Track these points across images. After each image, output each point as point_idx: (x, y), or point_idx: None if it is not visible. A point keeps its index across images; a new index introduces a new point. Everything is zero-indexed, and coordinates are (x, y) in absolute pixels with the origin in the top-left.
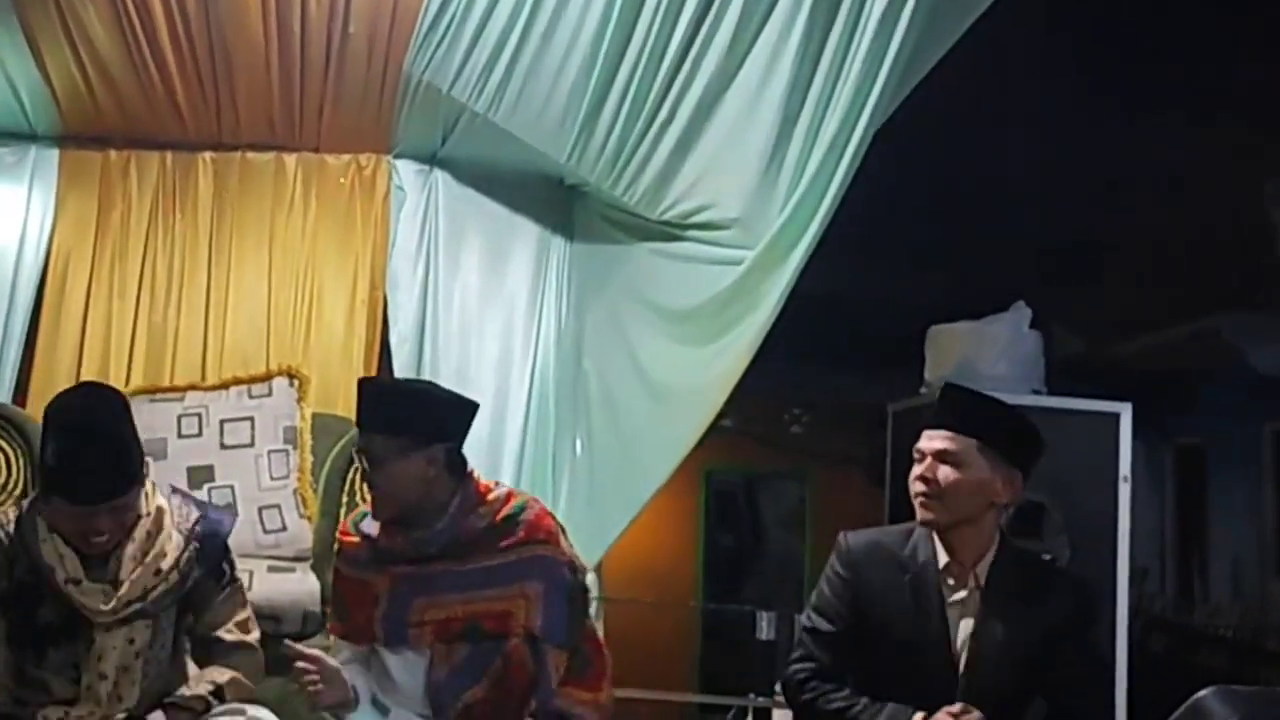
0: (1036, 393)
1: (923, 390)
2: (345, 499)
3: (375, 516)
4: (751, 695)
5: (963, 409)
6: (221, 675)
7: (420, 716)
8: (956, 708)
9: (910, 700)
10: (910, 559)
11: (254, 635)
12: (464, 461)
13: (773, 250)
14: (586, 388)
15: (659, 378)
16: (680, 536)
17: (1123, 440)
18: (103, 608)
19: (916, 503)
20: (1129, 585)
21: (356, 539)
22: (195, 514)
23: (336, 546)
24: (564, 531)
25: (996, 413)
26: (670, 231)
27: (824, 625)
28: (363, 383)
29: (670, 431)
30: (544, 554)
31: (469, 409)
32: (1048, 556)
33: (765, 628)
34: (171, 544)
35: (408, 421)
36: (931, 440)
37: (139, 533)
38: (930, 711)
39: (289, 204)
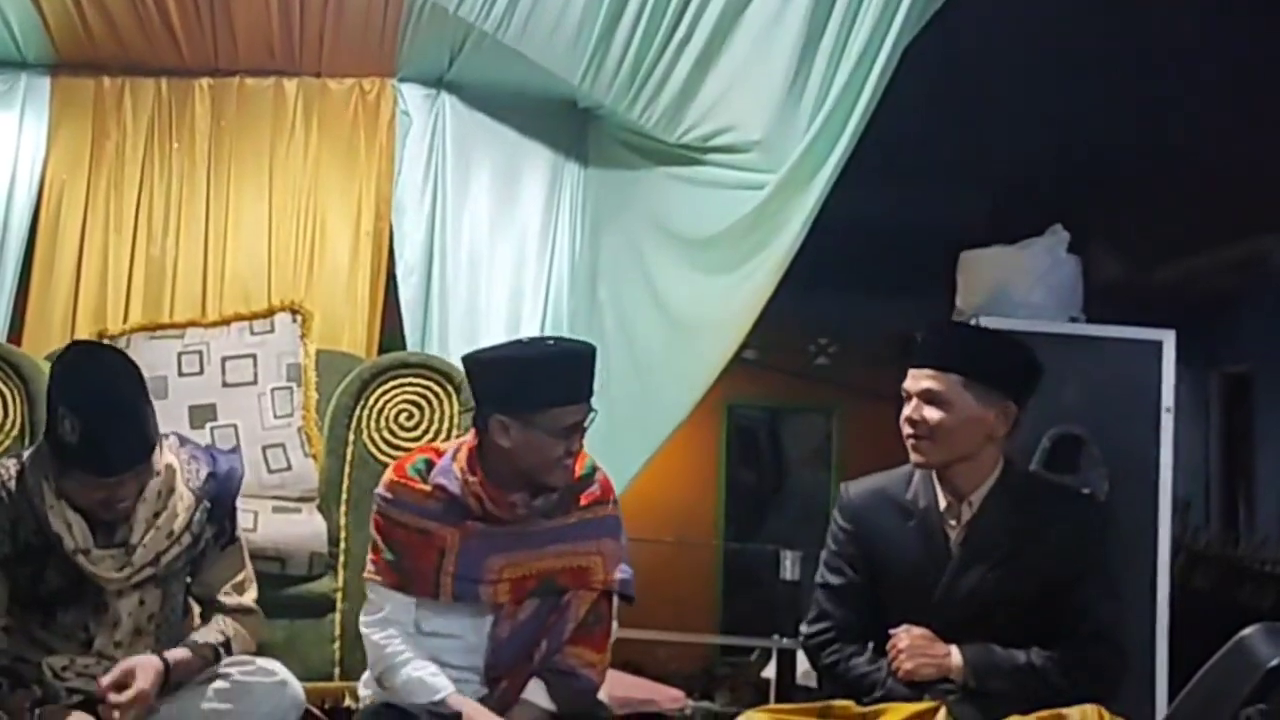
0: (1074, 320)
1: (954, 318)
2: (351, 437)
3: (559, 483)
4: (776, 636)
5: (943, 345)
6: (229, 627)
7: (470, 670)
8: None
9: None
10: (913, 503)
11: (251, 595)
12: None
13: (797, 173)
14: (602, 319)
15: (678, 308)
16: (700, 473)
17: (1165, 369)
18: (115, 575)
19: (908, 445)
20: (1171, 519)
21: (424, 486)
22: (205, 470)
23: (387, 491)
24: None
25: (979, 345)
26: (689, 155)
27: (834, 579)
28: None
29: (690, 364)
30: (613, 514)
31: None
32: (1085, 490)
33: (789, 567)
34: (183, 504)
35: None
36: (916, 380)
37: (149, 493)
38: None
39: (289, 131)
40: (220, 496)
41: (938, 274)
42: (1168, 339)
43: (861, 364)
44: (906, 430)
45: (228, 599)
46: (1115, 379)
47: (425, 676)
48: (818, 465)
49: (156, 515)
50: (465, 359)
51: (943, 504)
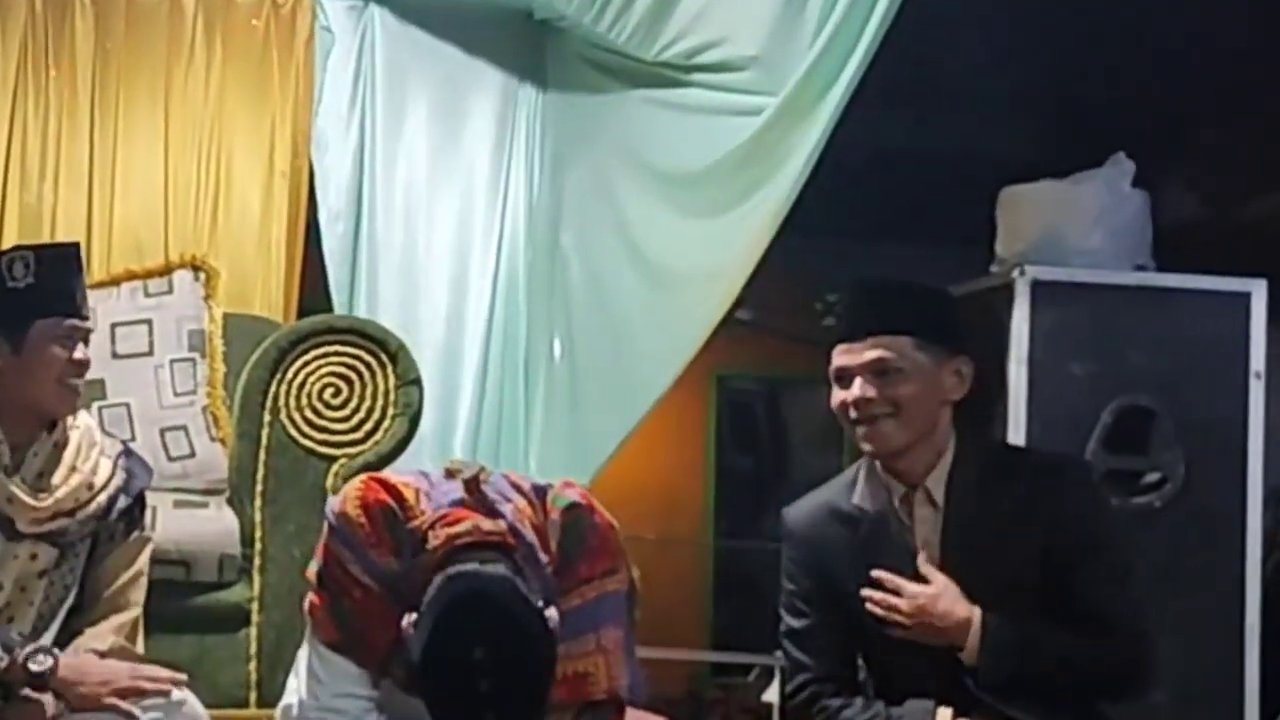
0: (1142, 269)
1: (994, 269)
2: (267, 418)
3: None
4: (778, 653)
5: (884, 303)
6: (104, 642)
7: None
8: None
9: (911, 675)
10: (859, 509)
11: (136, 591)
12: None
13: (800, 96)
14: (566, 273)
15: (658, 258)
16: (685, 457)
17: (1254, 326)
18: (31, 502)
19: (859, 434)
20: (1262, 507)
21: (389, 559)
22: (119, 446)
23: (338, 520)
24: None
25: (922, 297)
26: (670, 75)
27: (796, 623)
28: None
29: (673, 326)
30: (613, 589)
31: None
32: (1155, 477)
33: None
34: (103, 466)
35: None
36: (855, 353)
37: (71, 444)
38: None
39: (188, 52)
40: (134, 474)
41: (972, 216)
42: (1257, 290)
43: None
44: (853, 415)
45: (114, 595)
46: (1192, 339)
47: None
48: (827, 447)
49: (75, 467)
50: None
51: (896, 500)
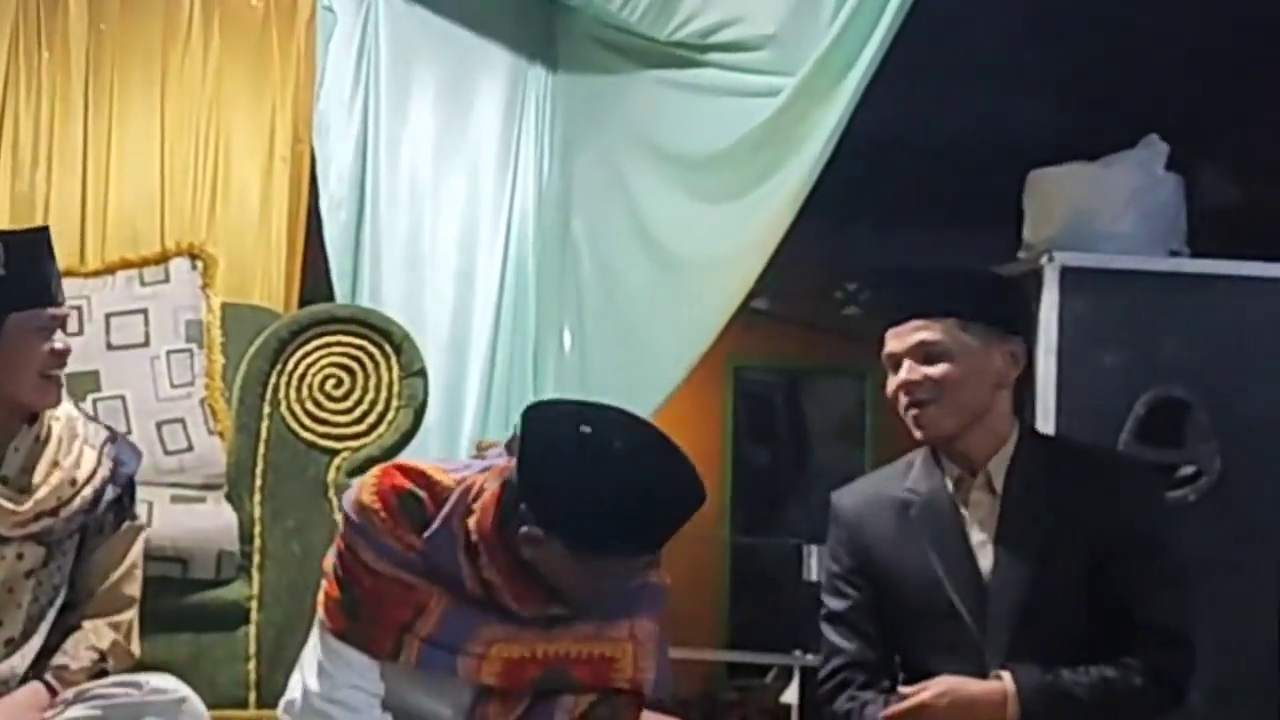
0: (1176, 254)
1: (1021, 255)
2: (267, 410)
3: (559, 609)
4: (798, 652)
5: (925, 287)
6: (103, 639)
7: None
8: None
9: (949, 661)
10: (912, 490)
11: (132, 585)
12: None
13: (819, 76)
14: (577, 259)
15: (672, 245)
16: (700, 451)
17: None
18: (12, 507)
19: (909, 418)
20: None
21: (410, 537)
22: (104, 433)
23: (357, 514)
24: None
25: (964, 279)
26: (684, 55)
27: (836, 604)
28: (650, 495)
29: (687, 315)
30: (654, 581)
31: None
32: (1190, 470)
33: (815, 566)
34: (87, 457)
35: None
36: (903, 337)
37: (53, 437)
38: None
39: (185, 34)
40: (122, 459)
41: (999, 199)
42: None
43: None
44: (904, 400)
45: (109, 587)
46: (1229, 327)
47: None
48: (847, 440)
49: (57, 461)
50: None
51: (950, 484)
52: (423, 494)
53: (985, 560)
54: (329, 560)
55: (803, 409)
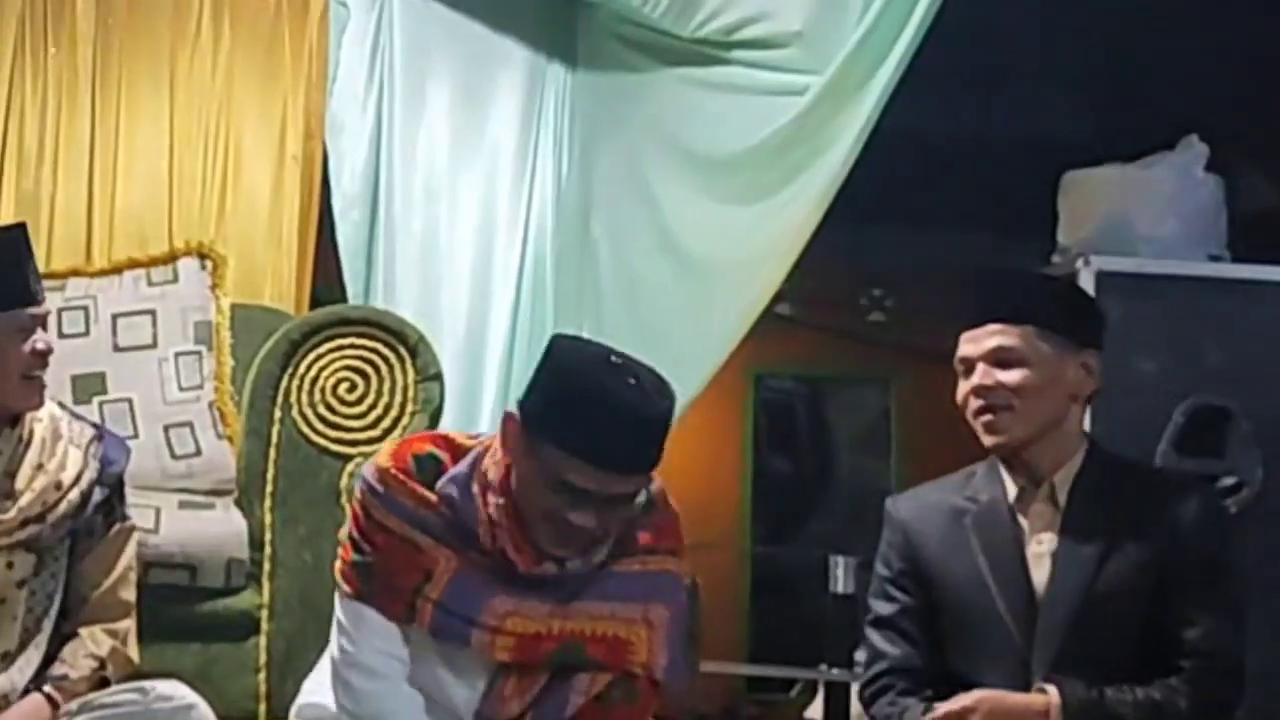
0: (1216, 259)
1: (1055, 258)
2: (278, 414)
3: (556, 555)
4: (823, 666)
5: (1003, 294)
6: (102, 647)
7: None
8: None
9: (992, 671)
10: (971, 500)
11: (127, 590)
12: None
13: (848, 75)
14: (596, 263)
15: (694, 247)
16: (720, 460)
17: None
18: None
19: (980, 424)
20: None
21: (424, 492)
22: (90, 431)
23: (377, 481)
24: None
25: (1042, 288)
26: (709, 52)
27: (884, 608)
28: (616, 408)
29: (709, 320)
30: (672, 569)
31: None
32: (1231, 481)
33: (841, 577)
34: (72, 458)
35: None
36: (979, 341)
37: (35, 439)
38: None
39: (195, 29)
40: (109, 461)
41: (1032, 202)
42: None
43: (928, 320)
44: (976, 405)
45: (104, 594)
46: (1270, 333)
47: None
48: (872, 449)
49: (42, 465)
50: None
51: (1011, 493)
52: (443, 455)
53: (1040, 573)
54: (343, 531)
55: (825, 417)
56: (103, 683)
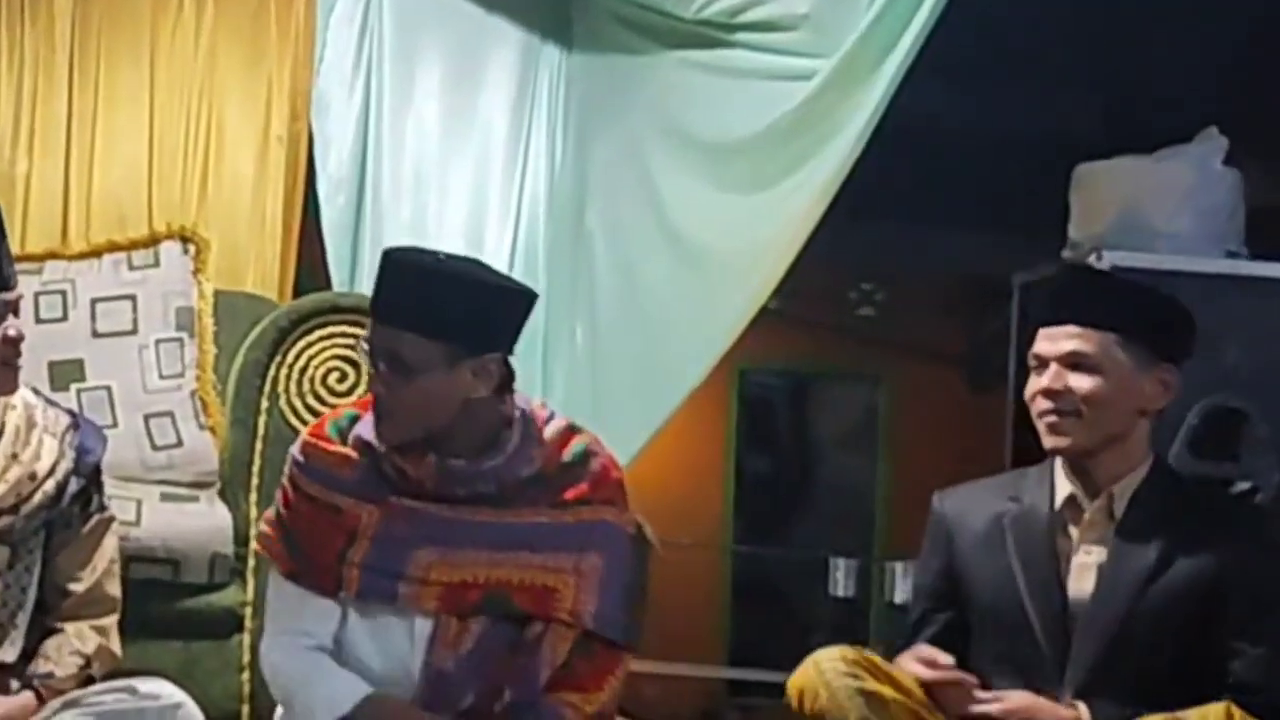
0: (1234, 255)
1: (1066, 254)
2: (265, 404)
3: (383, 440)
4: None
5: (1088, 294)
6: (88, 644)
7: None
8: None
9: (1015, 680)
10: (1014, 501)
11: (113, 585)
12: (513, 377)
13: (856, 60)
14: (591, 253)
15: (694, 237)
16: (702, 457)
17: None
18: None
19: (1043, 425)
20: None
21: (340, 449)
22: (65, 419)
23: (300, 453)
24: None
25: (1131, 294)
26: (711, 35)
27: (914, 609)
28: (389, 255)
29: (708, 312)
30: (609, 519)
31: (529, 302)
32: (1245, 485)
33: (841, 580)
34: (46, 447)
35: (458, 319)
36: (1056, 340)
37: (9, 428)
38: None
39: (177, 7)
40: (85, 451)
41: (1042, 194)
42: None
43: (921, 316)
44: (1043, 406)
45: (85, 588)
46: None
47: (334, 686)
48: (858, 449)
49: (15, 455)
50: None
51: (1059, 498)
52: (357, 413)
53: (1083, 584)
54: (270, 512)
55: (810, 415)
56: (88, 680)
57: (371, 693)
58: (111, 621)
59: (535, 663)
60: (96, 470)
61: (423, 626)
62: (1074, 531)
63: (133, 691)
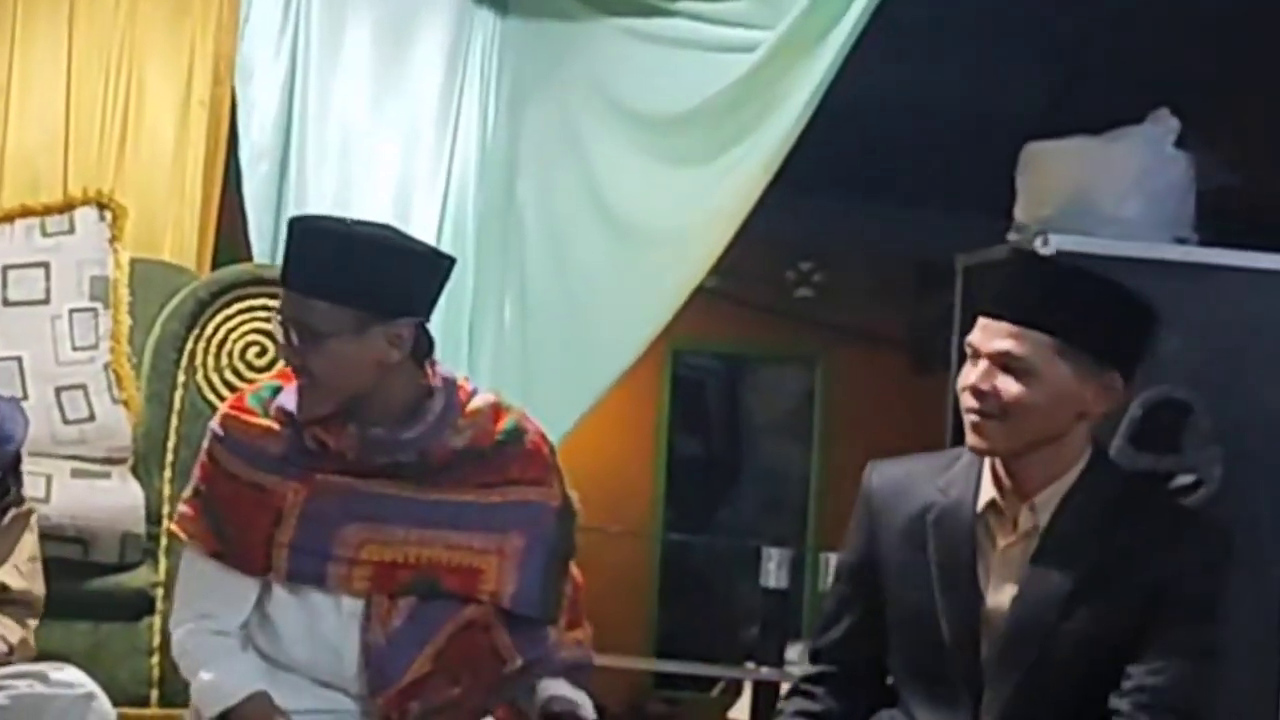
0: (1182, 242)
1: (1011, 236)
2: (182, 378)
3: (302, 414)
4: (750, 664)
5: (1035, 291)
6: (12, 634)
7: (316, 683)
8: None
9: (933, 688)
10: (942, 493)
11: (39, 583)
12: (432, 344)
13: (802, 31)
14: (521, 226)
15: (629, 212)
16: (632, 440)
17: None
18: None
19: (967, 422)
20: None
21: (263, 421)
22: None
23: (219, 426)
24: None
25: (1084, 294)
26: (652, 3)
27: (834, 590)
28: (297, 222)
29: (642, 290)
30: (535, 499)
31: (446, 267)
32: (1189, 479)
33: (773, 571)
34: None
35: (368, 283)
36: (990, 336)
37: None
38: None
39: None
40: (6, 433)
41: (987, 174)
42: None
43: (860, 298)
44: (968, 403)
45: (11, 580)
46: (1235, 323)
47: (224, 677)
48: (793, 434)
49: None
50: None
51: (983, 500)
52: (280, 385)
53: (1002, 596)
54: (188, 491)
55: (744, 397)
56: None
57: (256, 690)
58: (35, 623)
59: (498, 651)
60: (16, 461)
61: (351, 605)
62: (998, 537)
63: (44, 679)
